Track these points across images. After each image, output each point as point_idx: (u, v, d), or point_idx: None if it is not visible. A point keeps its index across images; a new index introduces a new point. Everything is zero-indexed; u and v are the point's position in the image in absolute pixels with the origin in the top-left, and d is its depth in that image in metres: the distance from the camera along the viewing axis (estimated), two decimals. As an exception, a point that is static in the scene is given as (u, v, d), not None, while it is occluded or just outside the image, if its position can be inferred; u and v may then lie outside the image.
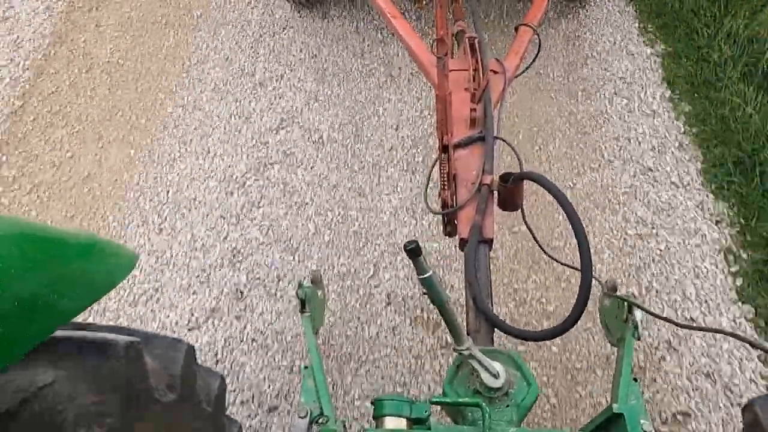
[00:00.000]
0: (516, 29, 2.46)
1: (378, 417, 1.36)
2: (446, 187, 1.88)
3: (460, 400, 1.39)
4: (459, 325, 1.40)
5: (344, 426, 1.45)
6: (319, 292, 1.99)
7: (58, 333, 1.11)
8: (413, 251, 1.18)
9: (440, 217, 2.02)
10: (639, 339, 1.65)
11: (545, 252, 1.79)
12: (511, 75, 2.23)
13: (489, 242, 1.69)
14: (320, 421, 1.45)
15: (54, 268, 0.99)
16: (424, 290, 1.30)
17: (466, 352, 1.42)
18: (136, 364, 1.22)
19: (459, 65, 2.11)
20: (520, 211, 1.81)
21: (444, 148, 1.89)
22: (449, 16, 2.40)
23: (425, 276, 1.24)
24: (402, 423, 1.34)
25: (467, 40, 2.15)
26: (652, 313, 1.58)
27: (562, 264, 1.86)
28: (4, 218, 0.97)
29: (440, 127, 1.94)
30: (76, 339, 1.15)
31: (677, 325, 1.60)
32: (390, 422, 1.34)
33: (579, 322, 1.51)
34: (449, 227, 1.92)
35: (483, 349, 1.47)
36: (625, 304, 1.66)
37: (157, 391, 1.27)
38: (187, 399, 1.43)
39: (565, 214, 1.49)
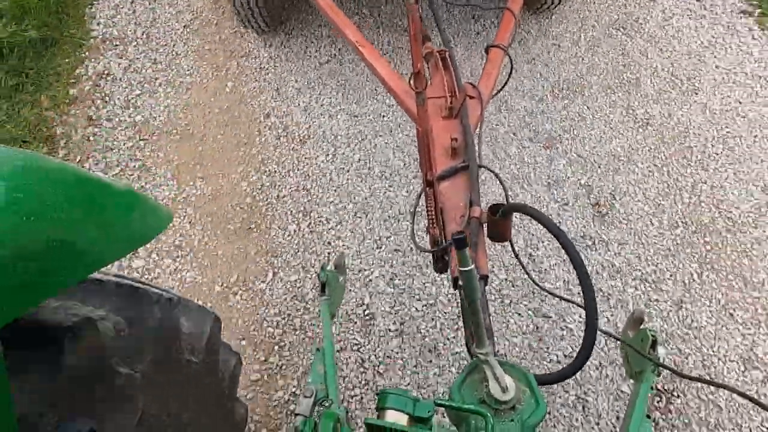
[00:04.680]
0: (486, 51, 2.42)
1: (381, 409, 1.36)
2: (434, 223, 1.81)
3: (466, 406, 1.36)
4: (483, 327, 1.39)
5: (347, 412, 1.46)
6: (341, 278, 1.97)
7: (108, 277, 1.25)
8: (461, 242, 1.18)
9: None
10: (659, 375, 1.61)
11: (539, 285, 1.71)
12: (487, 99, 2.18)
13: (484, 278, 1.63)
14: (324, 403, 1.46)
15: (98, 215, 1.03)
16: (461, 283, 1.32)
17: (483, 357, 1.41)
18: (171, 321, 1.36)
19: (434, 91, 2.05)
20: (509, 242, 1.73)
21: (429, 183, 1.85)
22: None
23: (466, 269, 1.24)
24: (403, 419, 1.34)
25: (437, 54, 2.13)
26: (675, 372, 1.52)
27: (561, 299, 1.79)
28: (57, 163, 1.00)
29: (423, 162, 1.90)
30: (125, 285, 1.29)
31: (691, 378, 1.55)
32: (392, 416, 1.34)
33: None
34: (440, 264, 1.85)
35: (500, 360, 1.45)
36: (649, 338, 1.61)
37: (184, 352, 1.39)
38: (209, 368, 1.53)
39: (562, 248, 1.42)
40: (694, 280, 2.54)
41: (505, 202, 1.61)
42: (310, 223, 2.79)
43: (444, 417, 1.66)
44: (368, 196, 2.87)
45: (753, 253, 2.61)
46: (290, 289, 2.56)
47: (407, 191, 2.88)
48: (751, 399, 1.37)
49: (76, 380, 1.09)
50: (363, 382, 2.31)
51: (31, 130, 3.24)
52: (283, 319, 2.48)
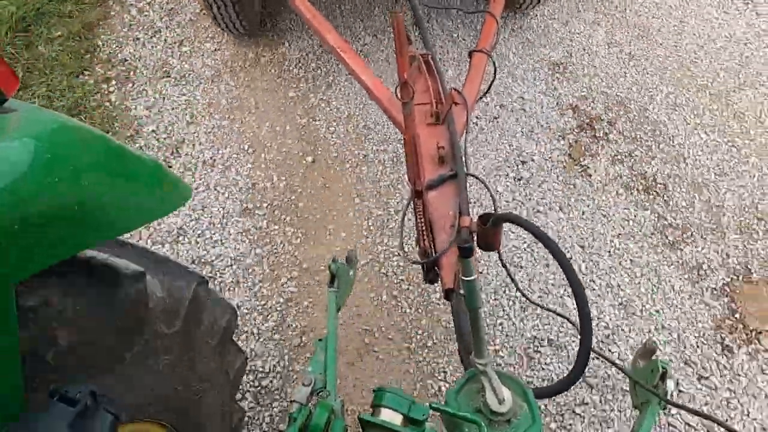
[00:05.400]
0: (470, 56, 2.39)
1: (376, 406, 1.37)
2: (423, 234, 1.78)
3: (461, 413, 1.36)
4: (483, 337, 1.39)
5: (342, 405, 1.47)
6: (350, 272, 1.98)
7: (147, 246, 1.41)
8: (467, 251, 1.20)
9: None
10: (664, 409, 1.59)
11: (527, 298, 1.67)
12: (472, 104, 2.16)
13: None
14: (321, 394, 1.47)
15: (125, 183, 1.08)
16: (463, 292, 1.34)
17: (481, 368, 1.41)
18: (199, 300, 1.42)
19: (418, 98, 2.01)
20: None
21: (417, 194, 1.82)
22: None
23: (469, 279, 1.26)
24: (398, 418, 1.34)
25: (420, 58, 2.09)
26: (686, 408, 1.52)
27: (550, 312, 1.74)
28: (90, 130, 1.04)
29: (411, 172, 1.89)
30: (159, 256, 1.41)
31: (703, 416, 1.51)
32: (386, 414, 1.35)
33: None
34: (430, 275, 1.79)
35: (499, 372, 1.45)
36: (659, 369, 1.59)
37: (203, 333, 1.47)
38: (218, 357, 1.57)
39: (553, 258, 1.38)
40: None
41: (494, 212, 1.58)
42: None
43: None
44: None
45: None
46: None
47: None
48: None
49: (122, 319, 1.18)
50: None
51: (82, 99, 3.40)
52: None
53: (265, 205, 2.93)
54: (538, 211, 2.86)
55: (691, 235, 2.78)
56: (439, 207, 1.75)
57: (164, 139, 3.24)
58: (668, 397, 1.57)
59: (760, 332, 2.45)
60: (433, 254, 1.69)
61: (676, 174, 3.00)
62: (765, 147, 3.12)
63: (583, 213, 2.87)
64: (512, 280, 1.63)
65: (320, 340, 1.69)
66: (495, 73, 2.25)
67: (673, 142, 3.15)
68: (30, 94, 3.39)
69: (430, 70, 2.09)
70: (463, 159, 1.82)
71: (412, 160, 1.89)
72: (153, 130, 3.27)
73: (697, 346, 2.42)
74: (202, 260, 2.71)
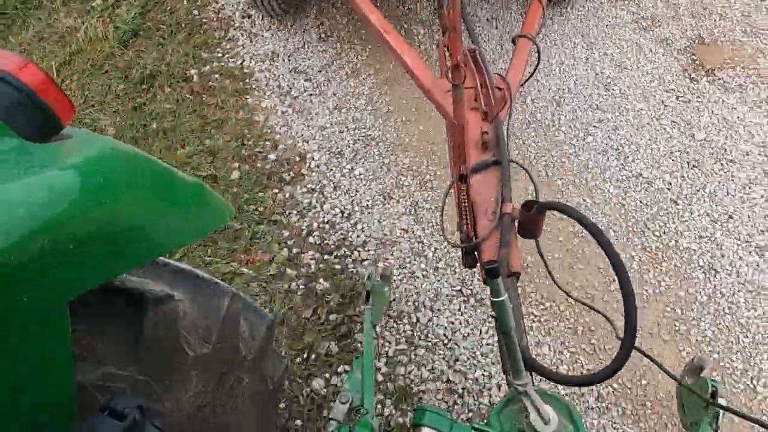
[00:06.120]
0: (513, 41, 2.33)
1: (417, 425, 1.36)
2: (465, 218, 1.74)
3: None
4: (519, 358, 1.34)
5: (380, 424, 1.43)
6: (386, 288, 1.96)
7: (183, 265, 1.31)
8: (493, 272, 1.14)
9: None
10: (716, 431, 1.51)
11: (561, 288, 1.63)
12: (515, 90, 2.10)
13: (517, 275, 1.60)
14: (360, 411, 1.48)
15: (166, 204, 1.09)
16: (494, 313, 1.27)
17: (521, 388, 1.36)
18: (233, 317, 1.38)
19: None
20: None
21: (461, 177, 1.81)
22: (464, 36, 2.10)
23: (499, 300, 1.21)
24: None
25: (468, 53, 2.04)
26: (738, 413, 1.38)
27: (584, 304, 1.67)
28: (133, 152, 1.05)
29: (455, 156, 1.88)
30: (189, 273, 1.34)
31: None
32: None
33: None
34: (469, 259, 1.75)
35: (540, 391, 1.41)
36: (709, 388, 1.52)
37: (241, 349, 1.42)
38: (257, 371, 1.51)
39: (601, 249, 1.32)
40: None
41: (537, 200, 1.56)
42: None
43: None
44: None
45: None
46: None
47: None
48: None
49: (149, 347, 1.15)
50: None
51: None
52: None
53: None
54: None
55: (658, 21, 3.80)
56: (482, 192, 1.74)
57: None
58: (720, 416, 1.50)
59: (714, 69, 3.49)
60: (474, 239, 1.67)
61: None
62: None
63: (580, 14, 3.85)
64: (548, 270, 1.62)
65: (357, 357, 1.68)
66: (539, 59, 2.20)
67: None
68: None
69: (477, 66, 2.03)
70: (507, 145, 1.80)
71: (458, 144, 1.86)
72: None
73: (673, 81, 3.44)
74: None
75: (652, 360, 1.50)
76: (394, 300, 2.52)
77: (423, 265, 2.72)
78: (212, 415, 1.37)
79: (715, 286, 2.63)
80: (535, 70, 2.21)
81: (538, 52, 2.22)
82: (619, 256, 1.29)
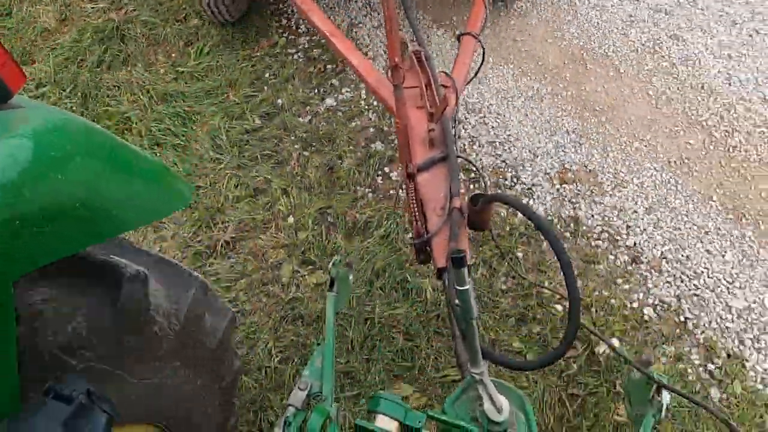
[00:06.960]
0: (458, 39, 2.39)
1: (372, 411, 1.36)
2: (416, 215, 1.79)
3: (456, 421, 1.36)
4: (477, 346, 1.37)
5: (338, 411, 1.45)
6: (350, 276, 1.98)
7: (154, 251, 1.33)
8: (459, 261, 1.17)
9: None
10: (659, 423, 1.57)
11: (521, 275, 1.69)
12: (461, 87, 2.16)
13: (468, 268, 1.52)
14: (317, 398, 1.47)
15: (126, 181, 1.06)
16: (457, 302, 1.29)
17: (478, 377, 1.39)
18: (199, 307, 1.43)
19: (408, 82, 1.96)
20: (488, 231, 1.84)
21: (409, 176, 1.85)
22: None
23: (463, 288, 1.23)
24: (393, 425, 1.33)
25: (413, 55, 2.09)
26: (686, 396, 1.59)
27: (546, 289, 1.79)
28: (94, 128, 1.03)
29: (402, 155, 1.90)
30: (170, 262, 1.41)
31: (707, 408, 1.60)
32: (382, 421, 1.33)
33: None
34: (422, 255, 1.81)
35: (496, 381, 1.45)
36: (655, 383, 1.58)
37: (203, 338, 1.48)
38: (217, 362, 1.55)
39: (544, 238, 1.39)
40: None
41: (484, 193, 1.61)
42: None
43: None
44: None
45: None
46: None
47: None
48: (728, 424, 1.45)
49: (122, 319, 1.15)
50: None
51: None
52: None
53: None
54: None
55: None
56: (431, 189, 1.77)
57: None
58: (663, 410, 1.56)
59: None
60: (425, 235, 1.70)
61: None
62: None
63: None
64: (506, 259, 1.64)
65: (318, 344, 1.69)
66: (483, 56, 2.25)
67: None
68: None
69: (422, 67, 2.07)
70: (454, 141, 1.83)
71: (404, 144, 1.88)
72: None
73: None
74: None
75: (597, 336, 1.74)
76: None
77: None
78: (169, 398, 1.40)
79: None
80: (480, 66, 2.28)
81: (483, 49, 2.27)
82: (566, 252, 1.35)
